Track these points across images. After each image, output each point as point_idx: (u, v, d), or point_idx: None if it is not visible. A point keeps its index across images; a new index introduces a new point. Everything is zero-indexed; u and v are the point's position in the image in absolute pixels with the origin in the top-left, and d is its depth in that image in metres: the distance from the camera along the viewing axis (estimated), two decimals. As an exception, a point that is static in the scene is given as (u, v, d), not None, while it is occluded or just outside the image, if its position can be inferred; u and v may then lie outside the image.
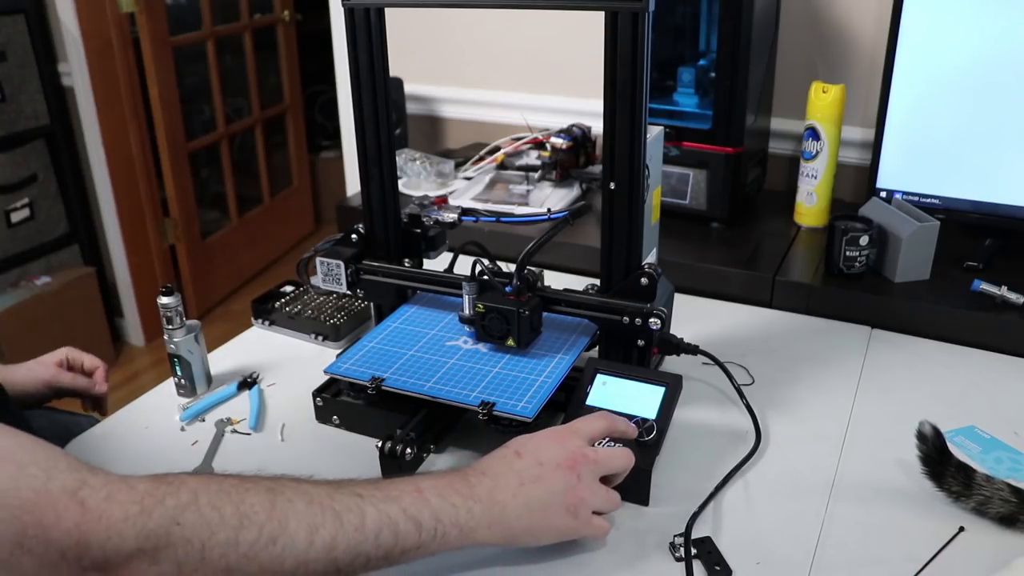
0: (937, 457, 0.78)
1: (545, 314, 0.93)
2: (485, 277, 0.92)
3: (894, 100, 1.23)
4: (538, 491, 0.68)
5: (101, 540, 0.54)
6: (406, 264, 1.03)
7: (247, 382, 1.00)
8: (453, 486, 0.67)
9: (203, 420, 0.95)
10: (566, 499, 0.69)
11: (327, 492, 0.63)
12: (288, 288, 1.21)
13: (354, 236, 1.01)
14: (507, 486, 0.68)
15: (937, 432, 0.78)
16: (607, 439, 0.78)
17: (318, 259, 1.00)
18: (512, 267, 0.91)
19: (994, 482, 0.76)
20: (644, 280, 0.87)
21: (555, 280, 0.98)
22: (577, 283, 1.03)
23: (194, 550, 0.56)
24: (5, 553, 0.52)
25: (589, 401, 0.84)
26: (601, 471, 0.72)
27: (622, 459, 0.74)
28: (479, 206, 1.39)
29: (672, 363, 1.00)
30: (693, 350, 0.95)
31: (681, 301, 0.98)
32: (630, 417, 0.81)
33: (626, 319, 0.87)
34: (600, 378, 0.86)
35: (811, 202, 1.33)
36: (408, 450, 0.81)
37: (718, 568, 0.71)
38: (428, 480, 0.67)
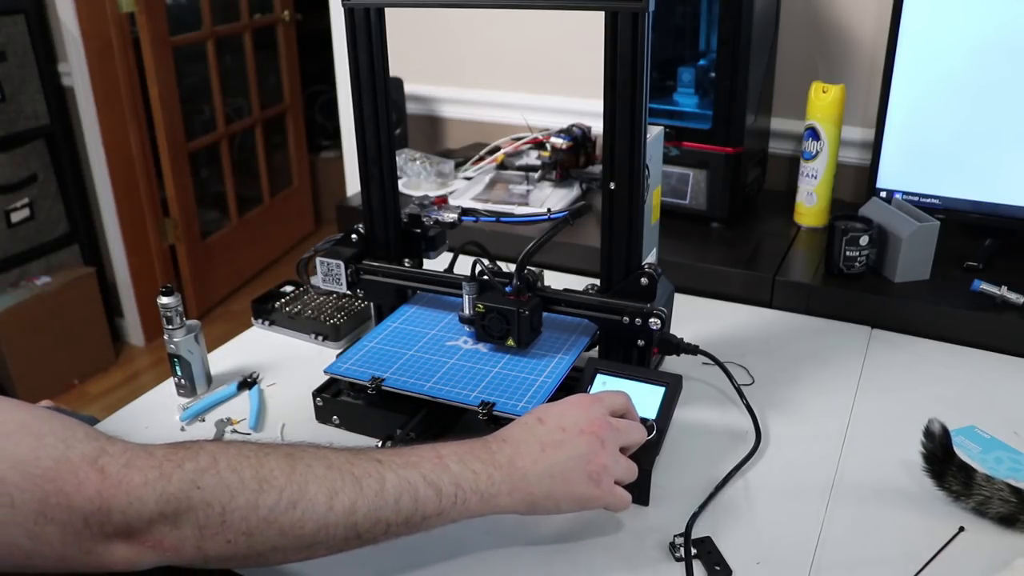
0: (941, 456, 0.78)
1: (545, 314, 0.93)
2: (485, 277, 0.92)
3: (894, 100, 1.23)
4: (560, 456, 0.68)
5: (123, 506, 0.54)
6: (406, 264, 1.03)
7: (247, 382, 1.00)
8: (474, 452, 0.66)
9: (203, 420, 0.95)
10: (588, 465, 0.68)
11: (347, 458, 0.62)
12: (288, 288, 1.21)
13: (354, 236, 1.01)
14: (528, 452, 0.67)
15: (945, 431, 0.78)
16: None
17: (318, 259, 1.00)
18: (512, 267, 0.91)
19: (994, 482, 0.76)
20: (644, 280, 0.87)
21: (555, 280, 0.98)
22: (577, 283, 1.03)
23: (214, 513, 0.56)
24: (29, 523, 0.53)
25: (589, 401, 0.84)
26: (622, 441, 0.72)
27: (640, 432, 0.74)
28: (479, 206, 1.39)
29: (672, 363, 1.00)
30: (693, 350, 0.95)
31: (681, 301, 0.98)
32: (630, 417, 0.81)
33: (626, 319, 0.87)
34: (600, 378, 0.86)
35: (811, 202, 1.33)
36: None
37: (718, 568, 0.71)
38: (449, 447, 0.67)
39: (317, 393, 0.93)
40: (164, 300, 0.96)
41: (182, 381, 0.99)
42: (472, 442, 0.68)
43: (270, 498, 0.58)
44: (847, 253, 1.14)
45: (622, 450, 0.73)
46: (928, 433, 0.78)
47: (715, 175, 1.31)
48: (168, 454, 0.57)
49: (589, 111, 1.59)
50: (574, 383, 0.87)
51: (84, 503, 0.53)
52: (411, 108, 1.83)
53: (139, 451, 0.57)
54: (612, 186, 0.84)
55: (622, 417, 0.75)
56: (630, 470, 0.72)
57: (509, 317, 0.89)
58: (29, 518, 0.53)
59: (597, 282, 0.92)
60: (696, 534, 0.75)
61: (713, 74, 1.32)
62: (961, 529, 0.75)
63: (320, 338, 1.11)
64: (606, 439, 0.70)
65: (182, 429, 0.93)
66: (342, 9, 0.92)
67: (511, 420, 0.81)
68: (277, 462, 0.60)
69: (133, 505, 0.54)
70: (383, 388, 0.87)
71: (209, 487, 0.56)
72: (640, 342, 0.89)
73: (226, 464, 0.58)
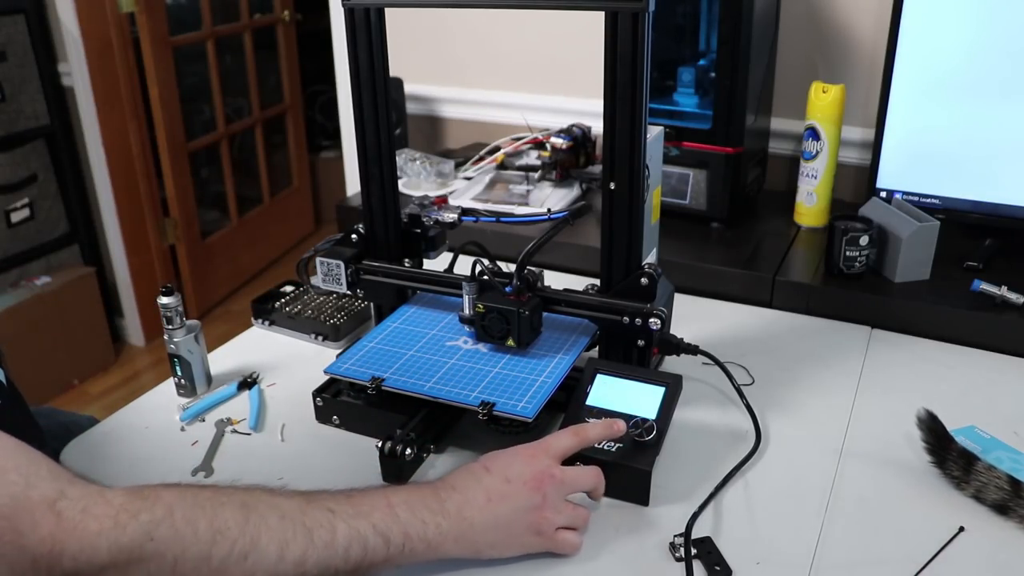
0: (936, 442, 0.81)
1: (545, 314, 0.93)
2: (485, 277, 0.92)
3: (894, 100, 1.23)
4: (504, 508, 0.70)
5: (74, 552, 0.55)
6: (406, 264, 1.03)
7: (247, 382, 1.00)
8: (424, 501, 0.68)
9: (203, 420, 0.95)
10: (529, 518, 0.70)
11: (299, 506, 0.64)
12: (288, 288, 1.21)
13: (354, 236, 1.01)
14: (475, 502, 0.69)
15: (932, 416, 0.82)
16: (607, 440, 0.78)
17: (318, 259, 1.00)
18: (512, 267, 0.91)
19: (994, 471, 0.77)
20: (644, 280, 0.87)
21: (555, 280, 0.98)
22: (577, 283, 1.03)
23: (166, 564, 0.57)
24: None
25: (589, 401, 0.84)
26: (567, 490, 0.73)
27: (590, 478, 0.75)
28: (479, 206, 1.39)
29: (672, 363, 1.00)
30: (693, 350, 0.95)
31: (681, 301, 0.98)
32: (630, 417, 0.81)
33: (626, 319, 0.87)
34: (600, 378, 0.86)
35: (811, 202, 1.33)
36: (408, 450, 0.81)
37: (718, 568, 0.71)
38: (399, 494, 0.68)
39: (317, 393, 0.93)
40: (164, 300, 0.96)
41: (182, 381, 0.99)
42: (423, 488, 0.70)
43: (222, 550, 0.59)
44: (847, 253, 1.14)
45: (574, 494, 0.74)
46: (919, 422, 0.83)
47: (715, 175, 1.31)
48: (125, 503, 0.58)
49: (589, 111, 1.59)
50: (574, 383, 0.87)
51: (36, 544, 0.54)
52: (411, 108, 1.83)
53: (97, 497, 0.57)
54: (612, 186, 0.84)
55: (607, 440, 0.78)
56: (575, 518, 0.73)
57: (509, 317, 0.89)
58: None
59: (597, 282, 0.92)
60: (696, 534, 0.75)
61: (713, 74, 1.32)
62: (961, 529, 0.75)
63: (320, 338, 1.11)
64: (548, 492, 0.71)
65: (182, 429, 0.93)
66: (342, 9, 0.92)
67: (511, 420, 0.82)
68: (232, 512, 0.60)
69: (85, 552, 0.55)
70: (383, 388, 0.87)
71: (163, 539, 0.57)
72: (640, 342, 0.89)
73: (181, 515, 0.58)
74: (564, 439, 0.76)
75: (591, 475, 0.75)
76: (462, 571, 0.71)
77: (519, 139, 1.60)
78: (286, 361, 1.07)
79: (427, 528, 0.67)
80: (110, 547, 0.55)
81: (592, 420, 0.81)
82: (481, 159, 1.59)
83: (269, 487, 0.66)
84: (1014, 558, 0.72)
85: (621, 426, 0.79)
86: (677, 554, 0.72)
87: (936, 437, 0.82)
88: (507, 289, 0.91)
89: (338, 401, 0.92)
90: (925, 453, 0.82)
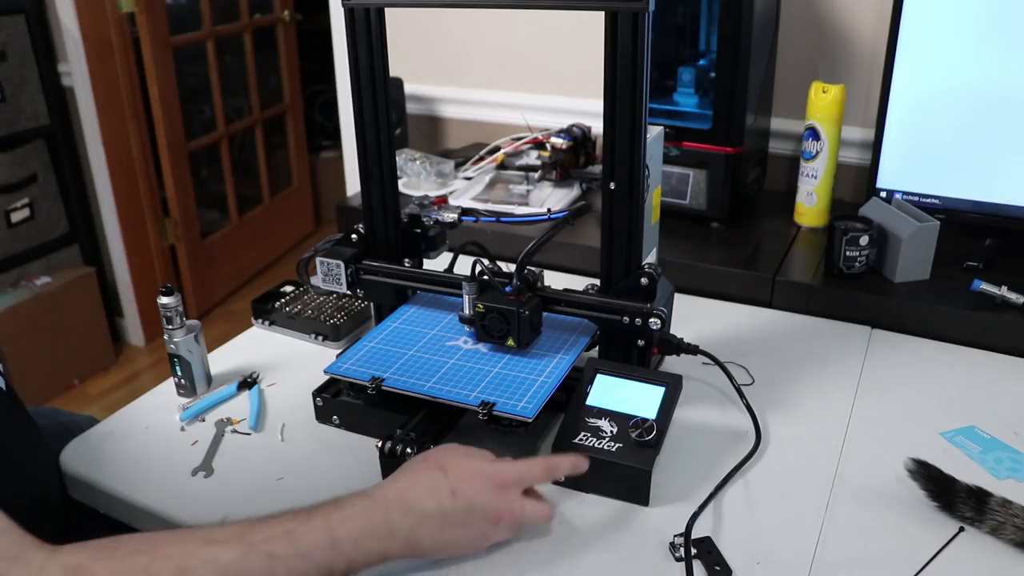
0: (938, 488, 0.77)
1: (545, 314, 0.93)
2: (485, 277, 0.92)
3: (894, 100, 1.23)
4: (457, 535, 0.70)
5: None
6: (406, 264, 1.03)
7: (247, 382, 1.00)
8: (373, 529, 0.67)
9: (203, 420, 0.95)
10: (478, 541, 0.72)
11: (239, 557, 0.62)
12: (288, 288, 1.21)
13: (354, 236, 1.01)
14: (429, 527, 0.69)
15: (922, 463, 0.78)
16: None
17: (318, 259, 1.00)
18: (512, 267, 0.91)
19: (1010, 507, 0.74)
20: (644, 280, 0.87)
21: (555, 280, 0.98)
22: (577, 283, 1.03)
23: None
24: None
25: (589, 401, 0.84)
26: (520, 521, 0.74)
27: (543, 516, 0.74)
28: (479, 206, 1.39)
29: (672, 363, 1.00)
30: (693, 350, 0.95)
31: (681, 301, 0.98)
32: (630, 418, 0.81)
33: (626, 319, 0.87)
34: (600, 378, 0.86)
35: (811, 202, 1.33)
36: (408, 450, 0.81)
37: (718, 568, 0.71)
38: (346, 524, 0.66)
39: (317, 393, 0.93)
40: (164, 300, 0.96)
41: (182, 381, 0.99)
42: (374, 512, 0.68)
43: None
44: (847, 253, 1.14)
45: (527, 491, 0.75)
46: (913, 474, 0.78)
47: (715, 175, 1.31)
48: None
49: (589, 111, 1.59)
50: (574, 383, 0.87)
51: None
52: (411, 108, 1.83)
53: None
54: (612, 186, 0.84)
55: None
56: (515, 532, 0.74)
57: (509, 317, 0.89)
58: None
59: (597, 282, 0.92)
60: (696, 534, 0.75)
61: (713, 74, 1.32)
62: (961, 529, 0.75)
63: (320, 338, 1.11)
64: (502, 527, 0.72)
65: (182, 429, 0.93)
66: (342, 9, 0.92)
67: (511, 420, 0.82)
68: None
69: None
70: (383, 388, 0.87)
71: None
72: (640, 342, 0.89)
73: None
74: (537, 473, 0.76)
75: (545, 513, 0.74)
76: (462, 569, 0.71)
77: (519, 139, 1.60)
78: (286, 361, 1.07)
79: (370, 555, 0.67)
80: None
81: (563, 455, 0.78)
82: (481, 159, 1.59)
83: (205, 529, 0.64)
84: (1014, 558, 0.72)
85: (584, 464, 0.76)
86: (677, 554, 0.72)
87: (936, 483, 0.77)
88: (507, 289, 0.91)
89: (338, 401, 0.92)
90: (929, 500, 0.77)
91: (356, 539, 0.66)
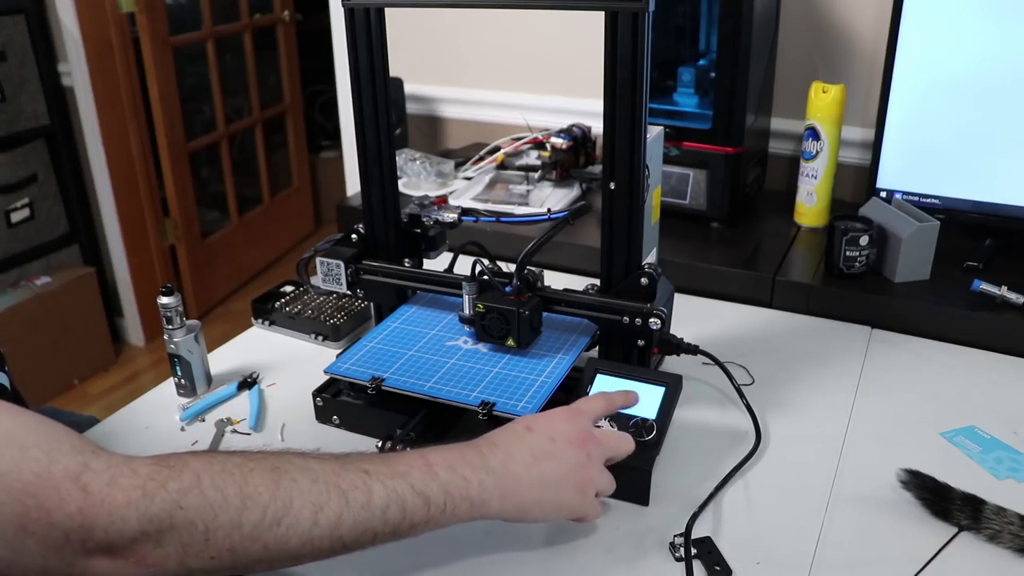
0: (934, 496, 0.77)
1: (545, 314, 0.93)
2: (485, 277, 0.92)
3: (894, 100, 1.23)
4: (551, 466, 0.68)
5: (104, 524, 0.54)
6: (406, 264, 1.03)
7: (247, 382, 1.00)
8: (465, 458, 0.66)
9: (203, 420, 0.95)
10: (577, 476, 0.69)
11: (333, 469, 0.62)
12: (288, 288, 1.21)
13: (354, 236, 1.01)
14: (521, 458, 0.68)
15: (914, 473, 0.78)
16: (608, 420, 0.79)
17: (318, 259, 1.00)
18: (512, 267, 0.91)
19: (1005, 514, 0.74)
20: (644, 280, 0.87)
21: (555, 280, 0.98)
22: (577, 283, 1.03)
23: (198, 532, 0.56)
24: (10, 535, 0.53)
25: (589, 401, 0.84)
26: (607, 453, 0.73)
27: (625, 443, 0.75)
28: (479, 206, 1.39)
29: (672, 363, 1.00)
30: (693, 350, 0.95)
31: (681, 301, 0.98)
32: (630, 418, 0.81)
33: (626, 319, 0.87)
34: (600, 378, 0.86)
35: (811, 202, 1.33)
36: (408, 450, 0.81)
37: (718, 568, 0.71)
38: (438, 453, 0.66)
39: (317, 393, 0.93)
40: (164, 300, 0.96)
41: (182, 381, 0.99)
42: (462, 447, 0.68)
43: (254, 515, 0.58)
44: (847, 253, 1.14)
45: (606, 461, 0.74)
46: (906, 485, 0.78)
47: (715, 175, 1.31)
48: (152, 472, 0.57)
49: (589, 111, 1.59)
50: (574, 383, 0.87)
51: (65, 520, 0.53)
52: (411, 108, 1.83)
53: (123, 468, 0.56)
54: (612, 186, 0.84)
55: (608, 420, 0.78)
56: (611, 484, 0.73)
57: (509, 317, 0.89)
58: (9, 530, 0.53)
59: (597, 282, 0.92)
60: (696, 534, 0.75)
61: (713, 74, 1.32)
62: (961, 529, 0.75)
63: (320, 338, 1.11)
64: (592, 452, 0.71)
65: (182, 429, 0.93)
66: (342, 9, 0.92)
67: (511, 420, 0.82)
68: (262, 478, 0.59)
69: (115, 524, 0.54)
70: (383, 388, 0.87)
71: (192, 507, 0.56)
72: (640, 342, 0.89)
73: (210, 482, 0.57)
74: (597, 404, 0.77)
75: (626, 440, 0.75)
76: (463, 569, 0.71)
77: (519, 139, 1.60)
78: (286, 361, 1.07)
79: (470, 485, 0.64)
80: (139, 518, 0.54)
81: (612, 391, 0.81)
82: (481, 159, 1.59)
83: (300, 451, 0.64)
84: (1014, 559, 0.72)
85: (634, 397, 0.80)
86: (677, 554, 0.72)
87: (931, 492, 0.77)
88: (507, 289, 0.91)
89: (338, 401, 0.92)
90: (924, 507, 0.77)
91: (451, 464, 0.65)
